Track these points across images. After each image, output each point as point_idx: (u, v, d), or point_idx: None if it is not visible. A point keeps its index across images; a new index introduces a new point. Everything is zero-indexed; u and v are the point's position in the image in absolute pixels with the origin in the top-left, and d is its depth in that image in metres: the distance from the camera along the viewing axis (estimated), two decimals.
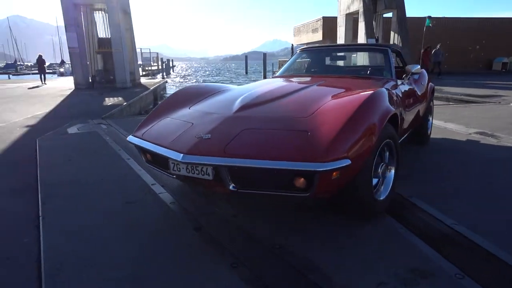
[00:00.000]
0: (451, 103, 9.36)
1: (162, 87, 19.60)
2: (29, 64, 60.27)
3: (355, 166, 1.92)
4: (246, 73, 42.64)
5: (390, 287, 1.64)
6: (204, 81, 33.82)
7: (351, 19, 17.89)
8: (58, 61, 53.16)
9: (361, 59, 5.34)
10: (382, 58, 3.58)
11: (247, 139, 2.01)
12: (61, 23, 14.08)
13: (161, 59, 36.90)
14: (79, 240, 2.14)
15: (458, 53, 22.17)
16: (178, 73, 44.81)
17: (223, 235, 2.17)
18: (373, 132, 2.04)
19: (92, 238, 2.16)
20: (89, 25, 15.40)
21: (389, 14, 17.27)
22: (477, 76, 17.53)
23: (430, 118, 4.53)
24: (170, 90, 21.52)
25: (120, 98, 10.46)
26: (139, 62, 35.24)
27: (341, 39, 18.39)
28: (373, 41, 15.71)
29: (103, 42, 15.54)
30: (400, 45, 16.00)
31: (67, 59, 29.76)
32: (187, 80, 33.24)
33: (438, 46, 16.55)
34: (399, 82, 3.33)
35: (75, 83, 14.62)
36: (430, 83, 4.34)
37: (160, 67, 35.93)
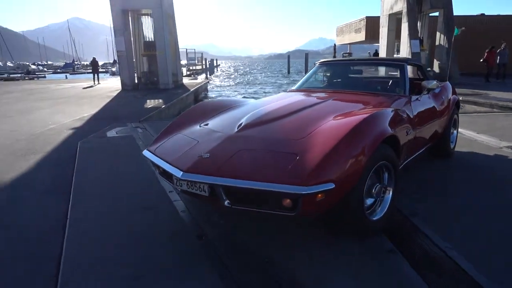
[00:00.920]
0: (495, 110, 8.87)
1: (204, 87, 20.22)
2: (85, 63, 64.48)
3: (341, 188, 2.02)
4: (288, 72, 42.60)
5: None
6: (239, 83, 34.29)
7: (395, 19, 17.34)
8: (111, 61, 56.36)
9: (382, 71, 5.28)
10: (398, 73, 3.58)
11: (241, 159, 2.18)
12: None
13: (205, 59, 37.88)
14: (97, 242, 2.43)
15: None
16: (218, 74, 45.71)
17: (221, 245, 2.36)
18: (362, 155, 2.12)
19: (108, 240, 2.45)
20: (137, 29, 16.30)
21: (436, 13, 16.55)
22: None
23: (454, 131, 4.42)
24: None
25: (160, 100, 11.03)
26: (184, 62, 36.48)
27: (383, 40, 17.89)
28: (417, 42, 15.15)
29: (148, 45, 16.37)
30: (446, 46, 15.30)
31: None
32: (225, 82, 33.85)
33: (503, 46, 15.09)
34: (413, 97, 3.33)
35: (122, 84, 15.56)
36: (454, 96, 4.24)
37: (204, 66, 36.93)
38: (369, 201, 2.42)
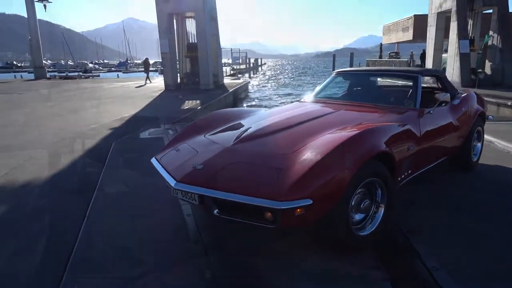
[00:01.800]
0: None
1: (244, 88, 20.55)
2: (138, 62, 67.91)
3: (321, 204, 2.09)
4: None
5: None
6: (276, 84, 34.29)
7: (444, 18, 16.49)
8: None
9: (398, 82, 5.13)
10: (411, 85, 3.52)
11: (230, 172, 2.32)
12: None
13: (249, 58, 38.43)
14: (106, 241, 2.70)
15: None
16: (261, 74, 46.05)
17: (214, 252, 2.51)
18: (346, 172, 2.17)
19: (117, 240, 2.71)
20: (181, 31, 16.95)
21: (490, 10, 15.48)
22: None
23: (478, 144, 4.22)
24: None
25: (198, 101, 11.45)
26: (229, 61, 37.16)
27: (431, 40, 17.07)
28: (466, 43, 14.31)
29: (191, 47, 16.97)
30: (500, 46, 14.29)
31: None
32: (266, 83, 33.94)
33: None
34: (426, 111, 3.26)
35: (165, 85, 16.30)
36: (478, 106, 4.05)
37: (248, 66, 37.53)
38: (358, 216, 2.45)
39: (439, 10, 16.15)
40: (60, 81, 24.07)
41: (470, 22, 15.32)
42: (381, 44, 31.29)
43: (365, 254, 2.41)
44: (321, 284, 2.12)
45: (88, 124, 7.61)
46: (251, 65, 38.84)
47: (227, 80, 21.46)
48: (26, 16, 24.15)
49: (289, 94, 22.32)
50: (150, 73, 23.27)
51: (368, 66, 27.87)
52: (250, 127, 2.88)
